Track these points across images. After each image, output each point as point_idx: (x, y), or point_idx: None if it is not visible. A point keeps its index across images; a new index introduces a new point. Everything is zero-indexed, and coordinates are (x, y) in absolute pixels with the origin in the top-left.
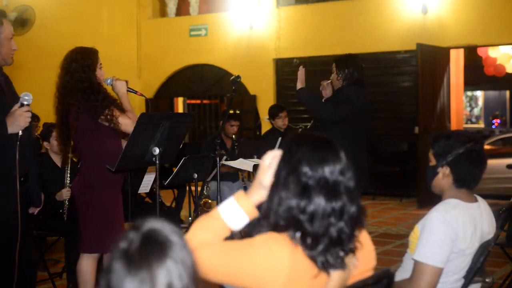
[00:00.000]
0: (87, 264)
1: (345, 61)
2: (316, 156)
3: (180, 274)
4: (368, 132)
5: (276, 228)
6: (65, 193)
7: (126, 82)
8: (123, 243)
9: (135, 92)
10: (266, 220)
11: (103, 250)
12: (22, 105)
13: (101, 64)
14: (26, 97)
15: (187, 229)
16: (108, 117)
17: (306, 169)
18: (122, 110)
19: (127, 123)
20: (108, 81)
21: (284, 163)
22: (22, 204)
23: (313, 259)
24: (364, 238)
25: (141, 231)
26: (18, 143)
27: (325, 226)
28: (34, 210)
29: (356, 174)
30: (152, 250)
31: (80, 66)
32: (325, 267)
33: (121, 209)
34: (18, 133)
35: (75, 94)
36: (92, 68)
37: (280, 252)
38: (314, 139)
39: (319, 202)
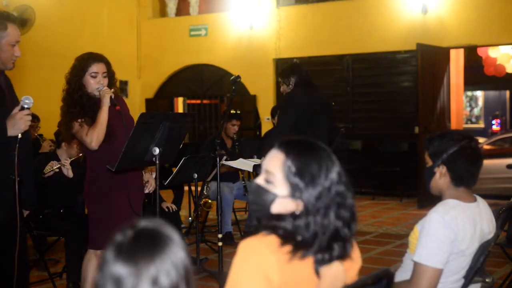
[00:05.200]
0: (94, 263)
1: (288, 71)
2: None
3: (168, 271)
4: (327, 129)
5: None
6: (50, 165)
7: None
8: (119, 236)
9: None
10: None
11: None
12: (22, 108)
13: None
14: (27, 101)
15: (186, 229)
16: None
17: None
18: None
19: (86, 142)
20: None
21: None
22: (20, 206)
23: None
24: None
25: (136, 228)
26: (17, 146)
27: (321, 226)
28: (25, 213)
29: None
30: (142, 246)
31: None
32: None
33: (127, 209)
34: (17, 136)
35: None
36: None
37: (261, 257)
38: (302, 144)
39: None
